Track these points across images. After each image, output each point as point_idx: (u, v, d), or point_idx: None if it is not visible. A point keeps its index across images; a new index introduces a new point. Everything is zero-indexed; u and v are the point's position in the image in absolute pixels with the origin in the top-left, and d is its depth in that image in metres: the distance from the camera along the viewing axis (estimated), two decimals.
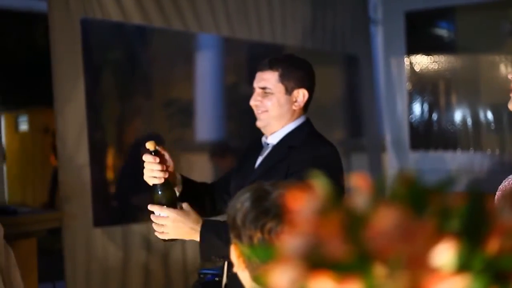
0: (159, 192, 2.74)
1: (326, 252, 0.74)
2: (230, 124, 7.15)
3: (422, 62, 7.32)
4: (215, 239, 2.57)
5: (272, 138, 2.94)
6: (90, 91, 5.34)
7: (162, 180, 2.73)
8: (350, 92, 7.72)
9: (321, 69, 8.58)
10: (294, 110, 2.92)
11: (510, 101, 2.28)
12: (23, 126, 11.62)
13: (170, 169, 2.77)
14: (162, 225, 2.68)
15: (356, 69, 7.54)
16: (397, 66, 7.41)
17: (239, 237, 1.77)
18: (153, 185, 2.76)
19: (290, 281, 0.75)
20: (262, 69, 2.94)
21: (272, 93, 2.89)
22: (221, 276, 2.84)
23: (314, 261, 0.74)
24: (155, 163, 2.71)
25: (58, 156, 5.24)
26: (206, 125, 6.84)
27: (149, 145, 2.75)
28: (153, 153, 2.75)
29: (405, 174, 0.79)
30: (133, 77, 6.11)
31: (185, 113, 6.61)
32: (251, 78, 3.02)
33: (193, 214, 2.67)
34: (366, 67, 7.54)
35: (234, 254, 1.80)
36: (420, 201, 0.76)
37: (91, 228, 5.30)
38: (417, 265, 0.73)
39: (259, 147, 2.98)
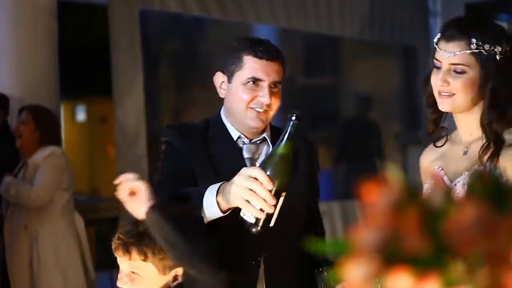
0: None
1: (403, 247, 0.72)
2: (285, 116, 7.13)
3: None
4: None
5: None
6: (148, 82, 5.37)
7: None
8: (408, 84, 7.64)
9: (378, 60, 8.52)
10: None
11: None
12: (81, 116, 11.77)
13: None
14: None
15: (414, 61, 7.46)
16: None
17: None
18: None
19: (365, 276, 0.74)
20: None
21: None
22: None
23: (391, 255, 0.72)
24: None
25: (116, 147, 5.29)
26: None
27: None
28: None
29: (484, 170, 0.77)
30: (190, 68, 6.12)
31: None
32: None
33: None
34: (425, 59, 7.46)
35: None
36: (501, 197, 0.74)
37: None
38: (497, 262, 0.72)
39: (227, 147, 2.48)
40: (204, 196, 2.10)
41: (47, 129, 4.55)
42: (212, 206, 2.09)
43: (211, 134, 2.41)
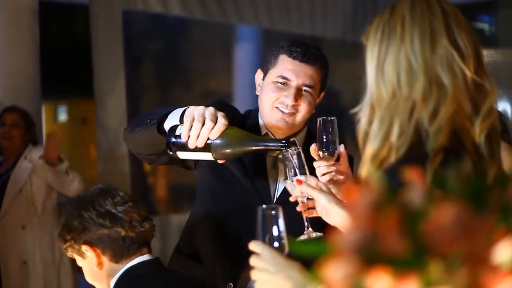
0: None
1: (383, 247, 0.72)
2: None
3: None
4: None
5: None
6: (130, 82, 5.37)
7: None
8: None
9: (361, 62, 8.52)
10: None
11: None
12: (62, 117, 11.73)
13: None
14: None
15: None
16: None
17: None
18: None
19: (344, 276, 0.74)
20: None
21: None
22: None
23: (370, 256, 0.72)
24: None
25: (98, 147, 5.28)
26: None
27: None
28: None
29: (463, 170, 0.78)
30: (172, 69, 6.12)
31: None
32: None
33: None
34: None
35: None
36: (480, 197, 0.74)
37: None
38: (476, 262, 0.72)
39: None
40: (178, 109, 2.18)
41: (33, 130, 4.62)
42: (178, 115, 2.15)
43: (245, 125, 2.43)
